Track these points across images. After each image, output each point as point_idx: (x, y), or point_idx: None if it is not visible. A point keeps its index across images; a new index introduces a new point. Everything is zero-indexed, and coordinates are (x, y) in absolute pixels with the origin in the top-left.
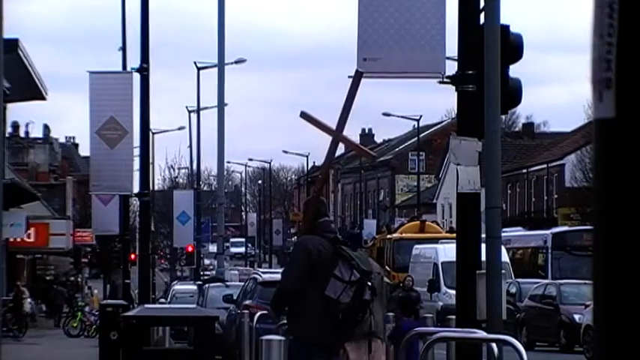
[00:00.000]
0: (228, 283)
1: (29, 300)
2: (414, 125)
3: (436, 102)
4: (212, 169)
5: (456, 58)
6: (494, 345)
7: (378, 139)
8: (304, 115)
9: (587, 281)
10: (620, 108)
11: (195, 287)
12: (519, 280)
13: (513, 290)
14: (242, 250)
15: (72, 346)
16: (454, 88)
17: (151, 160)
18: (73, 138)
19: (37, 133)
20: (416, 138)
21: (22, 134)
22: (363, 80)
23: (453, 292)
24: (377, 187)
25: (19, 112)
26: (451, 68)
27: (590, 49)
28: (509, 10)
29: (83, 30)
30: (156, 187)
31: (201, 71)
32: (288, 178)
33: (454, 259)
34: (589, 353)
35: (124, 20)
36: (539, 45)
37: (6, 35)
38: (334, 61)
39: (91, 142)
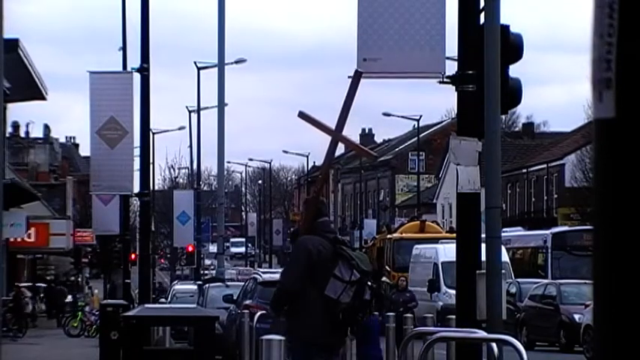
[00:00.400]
0: (228, 283)
1: (30, 300)
2: (414, 125)
3: (436, 102)
4: (212, 169)
5: (456, 58)
6: (494, 345)
7: (378, 139)
8: (302, 115)
9: (587, 281)
10: (620, 108)
11: (195, 287)
12: (519, 280)
13: (513, 290)
14: (242, 250)
15: (72, 346)
16: (454, 88)
17: (151, 160)
18: (74, 138)
19: (37, 133)
20: (416, 138)
21: (22, 134)
22: (363, 80)
23: (453, 292)
24: (377, 187)
25: (19, 112)
26: (451, 68)
27: (590, 49)
28: (509, 10)
29: (83, 30)
30: (156, 187)
31: (201, 71)
32: (289, 178)
33: (454, 259)
34: (589, 353)
35: (124, 20)
36: (539, 45)
37: (6, 35)
38: (334, 61)
39: (91, 142)
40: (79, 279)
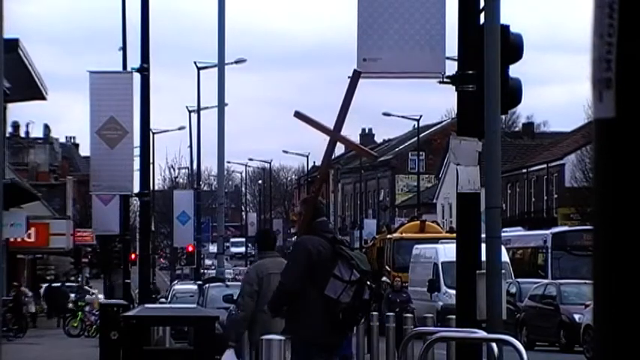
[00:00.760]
0: (228, 283)
1: (31, 300)
2: (414, 125)
3: (436, 102)
4: (212, 169)
5: (456, 58)
6: (494, 345)
7: (378, 139)
8: (298, 115)
9: (587, 281)
10: (620, 108)
11: (195, 287)
12: (519, 280)
13: (513, 290)
14: (242, 250)
15: (72, 346)
16: (454, 88)
17: (151, 160)
18: (74, 138)
19: (37, 133)
20: (416, 138)
21: (22, 134)
22: (363, 80)
23: (453, 292)
24: (377, 187)
25: (19, 112)
26: (451, 68)
27: (590, 49)
28: (509, 10)
29: (83, 30)
30: (156, 187)
31: (201, 71)
32: (289, 178)
33: (454, 259)
34: (589, 353)
35: (124, 20)
36: (539, 45)
37: (6, 35)
38: (334, 60)
39: (91, 142)
40: (79, 279)
